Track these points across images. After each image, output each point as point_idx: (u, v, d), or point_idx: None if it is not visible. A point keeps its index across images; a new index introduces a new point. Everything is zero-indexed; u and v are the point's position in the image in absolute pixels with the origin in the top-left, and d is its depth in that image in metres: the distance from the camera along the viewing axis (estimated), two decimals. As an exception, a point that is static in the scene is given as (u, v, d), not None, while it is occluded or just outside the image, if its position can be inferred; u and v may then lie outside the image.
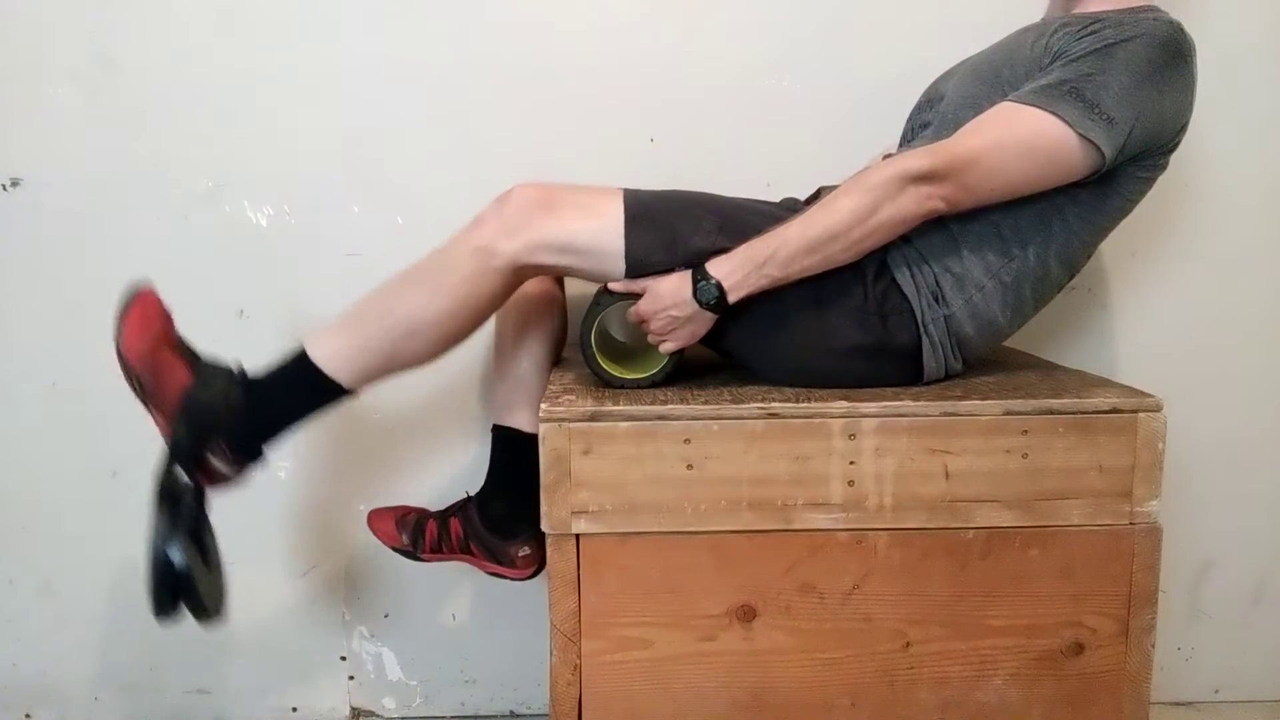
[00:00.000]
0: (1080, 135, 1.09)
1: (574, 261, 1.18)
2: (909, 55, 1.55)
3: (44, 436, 1.62)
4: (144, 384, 1.18)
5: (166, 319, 1.22)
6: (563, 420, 1.11)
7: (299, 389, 1.20)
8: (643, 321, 1.18)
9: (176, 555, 1.17)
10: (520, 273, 1.19)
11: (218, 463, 1.20)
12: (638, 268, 1.17)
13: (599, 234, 1.16)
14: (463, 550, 1.38)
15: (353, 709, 1.72)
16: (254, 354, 1.59)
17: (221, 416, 1.18)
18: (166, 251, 1.59)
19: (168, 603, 1.18)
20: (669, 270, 1.16)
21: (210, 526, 1.27)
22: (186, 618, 1.20)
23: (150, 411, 1.19)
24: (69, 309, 1.59)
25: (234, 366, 1.22)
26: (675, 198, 1.21)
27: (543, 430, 1.11)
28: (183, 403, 1.17)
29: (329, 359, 1.18)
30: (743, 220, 1.18)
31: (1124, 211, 1.22)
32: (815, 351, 1.19)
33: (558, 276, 1.35)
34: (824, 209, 1.12)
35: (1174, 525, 1.37)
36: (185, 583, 1.18)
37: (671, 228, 1.17)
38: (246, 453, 1.21)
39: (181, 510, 1.20)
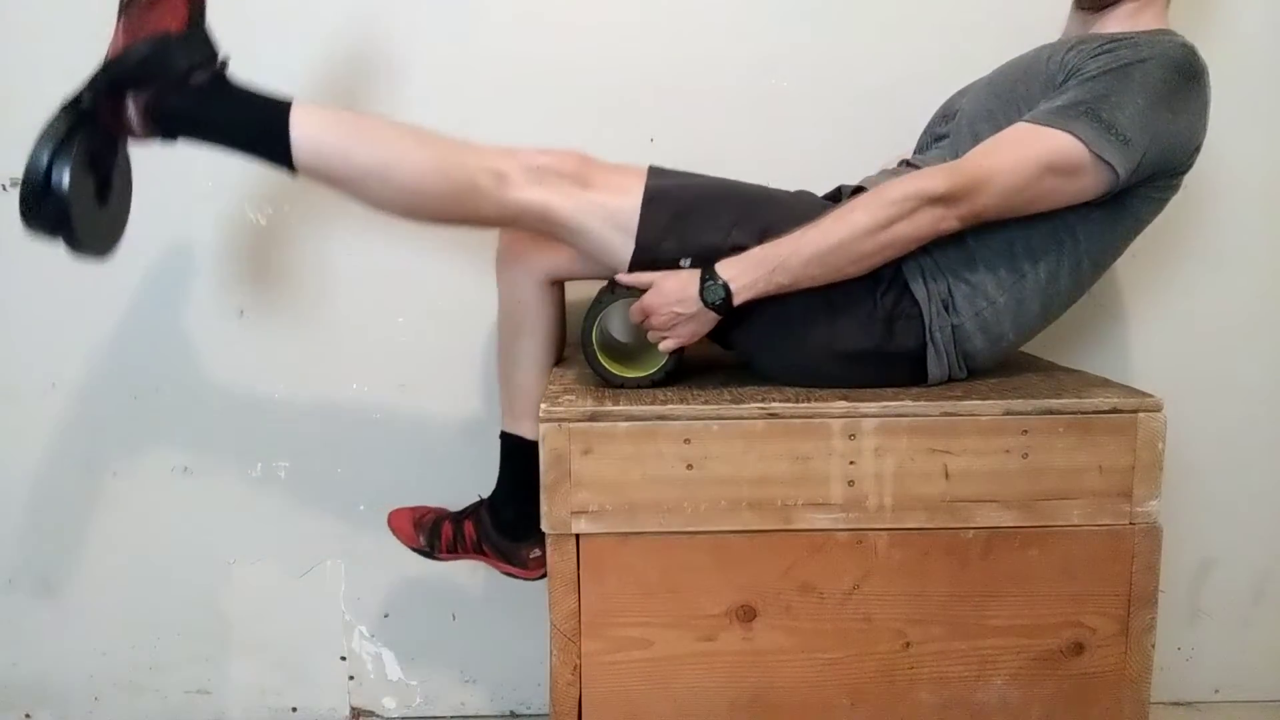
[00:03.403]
0: (1095, 155, 1.09)
1: (581, 239, 1.18)
2: (909, 56, 1.55)
3: (44, 436, 1.62)
4: (137, 1, 1.13)
5: None
6: (563, 420, 1.11)
7: (255, 127, 1.15)
8: (645, 318, 1.18)
9: (60, 175, 1.09)
10: (518, 221, 1.18)
11: (131, 111, 1.13)
12: (646, 251, 1.17)
13: (614, 214, 1.16)
14: (476, 551, 1.41)
15: (353, 709, 1.72)
16: (254, 356, 1.61)
17: (173, 81, 1.12)
18: (166, 251, 1.59)
19: (35, 218, 1.10)
20: (676, 260, 1.16)
21: (125, 169, 1.21)
22: (58, 241, 1.13)
23: (119, 22, 1.13)
24: (69, 309, 1.59)
25: (223, 56, 1.16)
26: (698, 186, 1.21)
27: (543, 430, 1.11)
28: (155, 40, 1.11)
29: (302, 133, 1.13)
30: (763, 216, 1.17)
31: (1135, 231, 1.22)
32: (821, 351, 1.19)
33: (558, 280, 1.35)
34: (839, 221, 1.12)
35: (1174, 525, 1.37)
36: (60, 203, 1.09)
37: (686, 218, 1.17)
38: (163, 126, 1.15)
39: (87, 133, 1.12)
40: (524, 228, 1.22)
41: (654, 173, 1.20)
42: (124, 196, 1.24)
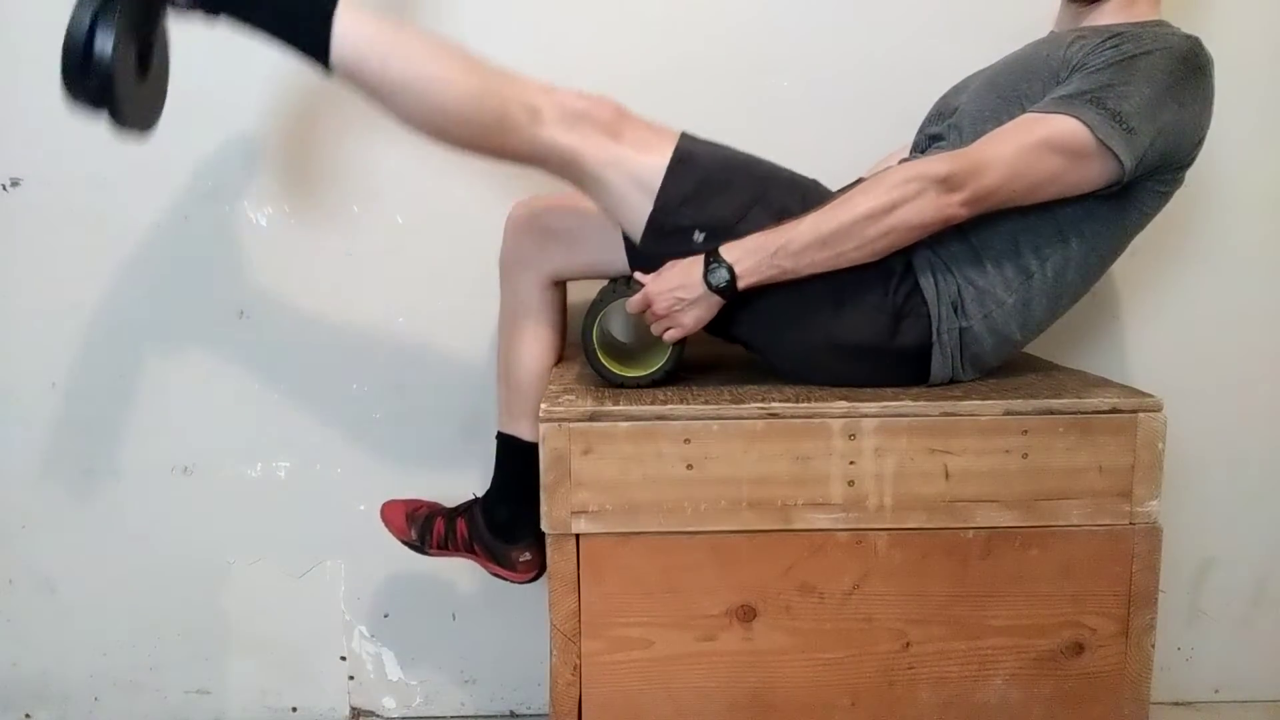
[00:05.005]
0: (1100, 141, 1.08)
1: (602, 191, 1.17)
2: (909, 56, 1.55)
3: (44, 436, 1.62)
4: None
5: None
6: (563, 420, 1.11)
7: (299, 17, 1.12)
8: (647, 307, 1.17)
9: (104, 42, 1.04)
10: (544, 162, 1.17)
11: None
12: (663, 214, 1.16)
13: (639, 172, 1.15)
14: (467, 550, 1.40)
15: (353, 709, 1.72)
16: (254, 354, 1.61)
17: None
18: (166, 251, 1.59)
19: (78, 89, 1.06)
20: (690, 230, 1.16)
21: (164, 41, 1.18)
22: (101, 114, 1.10)
23: None
24: (69, 309, 1.59)
25: None
26: (727, 158, 1.20)
27: (543, 430, 1.11)
28: None
29: (346, 31, 1.11)
30: (784, 200, 1.16)
31: (1140, 226, 1.21)
32: (824, 342, 1.19)
33: (560, 281, 1.35)
34: (840, 205, 1.12)
35: (1174, 525, 1.37)
36: (104, 71, 1.05)
37: (709, 188, 1.16)
38: (207, 2, 1.12)
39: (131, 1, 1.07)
40: (548, 170, 1.20)
41: (686, 138, 1.19)
42: (163, 70, 1.20)
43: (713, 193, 1.16)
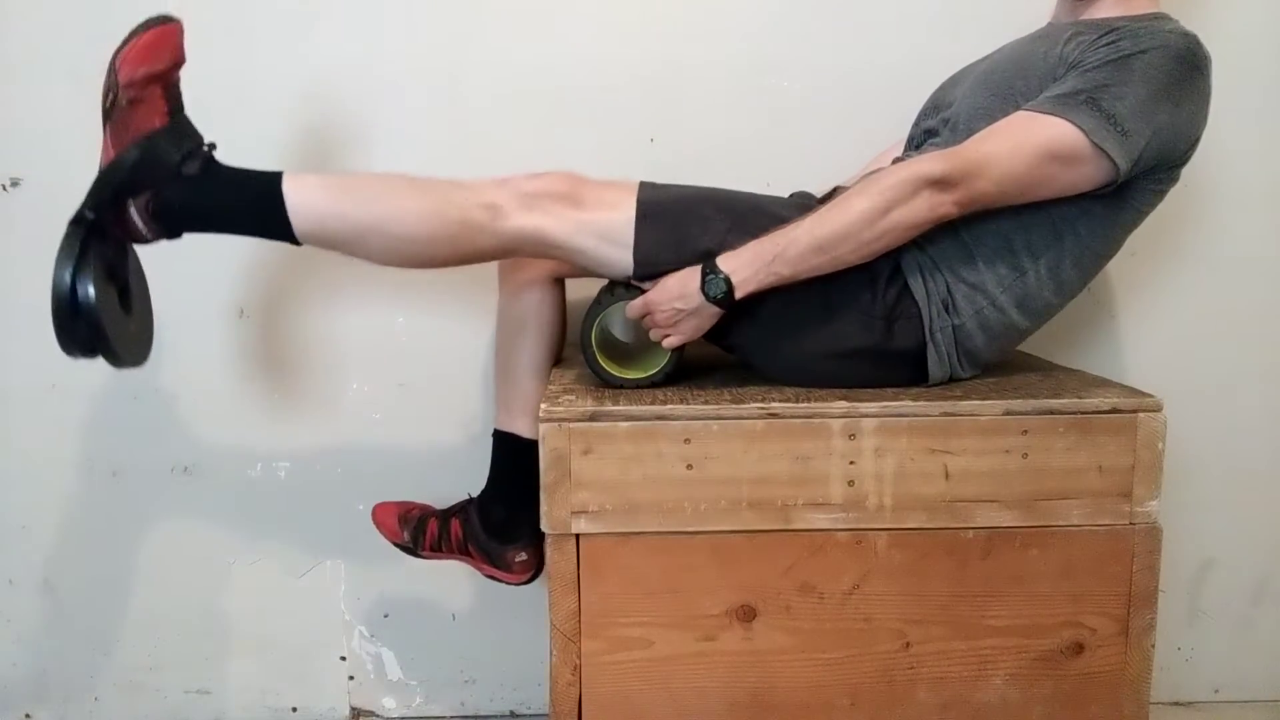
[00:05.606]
0: (1095, 145, 1.08)
1: (580, 258, 1.18)
2: (909, 55, 1.55)
3: (44, 436, 1.62)
4: (116, 103, 1.14)
5: (178, 60, 1.17)
6: (563, 420, 1.11)
7: (251, 206, 1.16)
8: (646, 315, 1.18)
9: (85, 292, 1.10)
10: (517, 249, 1.19)
11: (134, 216, 1.16)
12: (645, 265, 1.17)
13: (608, 230, 1.17)
14: (461, 551, 1.39)
15: (353, 709, 1.72)
16: (254, 354, 1.61)
17: (167, 176, 1.14)
18: (166, 251, 1.58)
19: (72, 340, 1.12)
20: (676, 269, 1.16)
21: (138, 272, 1.23)
22: (100, 359, 1.15)
23: (105, 131, 1.15)
24: (69, 309, 1.59)
25: (207, 144, 1.18)
26: (690, 196, 1.21)
27: (543, 430, 1.11)
28: (142, 141, 1.14)
29: (297, 202, 1.15)
30: (756, 222, 1.17)
31: (1135, 223, 1.21)
32: (819, 351, 1.19)
33: (559, 278, 1.35)
34: (835, 208, 1.12)
35: (1174, 525, 1.37)
36: (93, 319, 1.11)
37: (681, 228, 1.17)
38: (166, 224, 1.17)
39: (99, 245, 1.13)
40: (524, 254, 1.24)
41: (645, 187, 1.20)
42: (144, 301, 1.27)
43: (685, 232, 1.17)
